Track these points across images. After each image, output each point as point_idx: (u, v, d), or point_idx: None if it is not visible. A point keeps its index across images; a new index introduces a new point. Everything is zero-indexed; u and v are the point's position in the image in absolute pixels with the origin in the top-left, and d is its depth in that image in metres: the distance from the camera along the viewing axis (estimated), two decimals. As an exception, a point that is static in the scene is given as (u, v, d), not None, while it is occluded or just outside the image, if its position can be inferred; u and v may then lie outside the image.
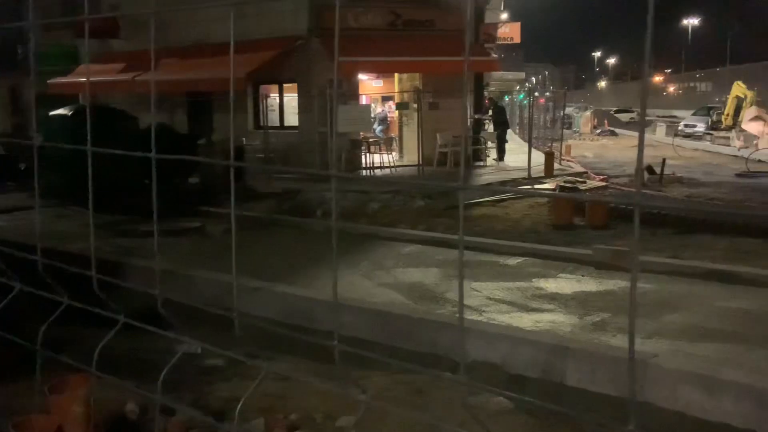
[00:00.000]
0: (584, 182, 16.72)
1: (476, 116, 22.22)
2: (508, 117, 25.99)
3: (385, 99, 24.86)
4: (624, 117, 50.94)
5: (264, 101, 20.26)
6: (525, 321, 6.74)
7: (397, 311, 6.44)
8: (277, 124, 20.08)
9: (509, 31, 25.91)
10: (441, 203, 13.64)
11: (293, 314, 6.43)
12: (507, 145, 22.53)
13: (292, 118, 19.79)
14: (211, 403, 4.75)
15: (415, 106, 18.94)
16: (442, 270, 8.92)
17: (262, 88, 20.10)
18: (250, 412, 4.49)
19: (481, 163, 20.88)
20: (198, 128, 19.25)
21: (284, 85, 19.95)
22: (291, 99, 19.86)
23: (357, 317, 6.46)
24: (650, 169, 17.73)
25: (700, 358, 5.54)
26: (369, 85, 23.75)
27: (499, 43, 25.32)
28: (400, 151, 21.57)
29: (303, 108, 19.11)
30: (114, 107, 16.17)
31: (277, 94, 20.36)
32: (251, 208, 13.18)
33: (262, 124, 19.94)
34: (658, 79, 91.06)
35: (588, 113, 46.64)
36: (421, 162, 18.06)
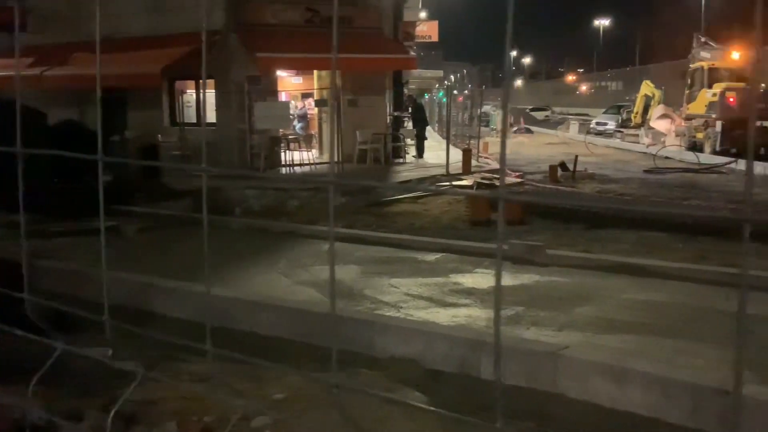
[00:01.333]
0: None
1: (395, 114, 22.38)
2: (427, 114, 26.27)
3: (305, 96, 24.73)
4: (539, 115, 52.27)
5: (180, 97, 19.85)
6: (442, 316, 6.82)
7: (315, 309, 6.42)
8: (194, 120, 19.72)
9: (427, 29, 26.17)
10: (361, 200, 13.68)
11: (210, 314, 6.33)
12: (426, 143, 22.78)
13: (209, 115, 19.47)
14: (123, 408, 4.63)
15: (335, 103, 18.93)
16: (361, 267, 8.95)
17: (178, 83, 19.70)
18: (163, 415, 4.40)
19: (401, 160, 21.05)
20: (111, 125, 18.73)
21: (201, 80, 19.59)
22: (208, 95, 19.53)
23: (274, 316, 6.42)
24: (563, 166, 18.22)
25: (609, 349, 5.73)
26: (288, 82, 23.59)
27: (418, 41, 25.53)
28: (320, 149, 21.51)
29: (220, 104, 18.83)
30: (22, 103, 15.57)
31: (194, 90, 19.99)
32: (167, 207, 12.92)
33: (178, 120, 19.55)
34: (571, 78, 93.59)
35: (505, 111, 47.42)
36: (340, 159, 18.05)
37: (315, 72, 21.70)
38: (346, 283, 8.16)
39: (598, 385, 4.95)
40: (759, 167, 19.43)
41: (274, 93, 19.94)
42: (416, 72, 29.92)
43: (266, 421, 4.34)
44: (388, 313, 6.89)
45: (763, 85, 24.22)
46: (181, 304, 6.77)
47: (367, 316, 6.50)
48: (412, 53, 23.02)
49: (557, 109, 62.11)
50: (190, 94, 20.10)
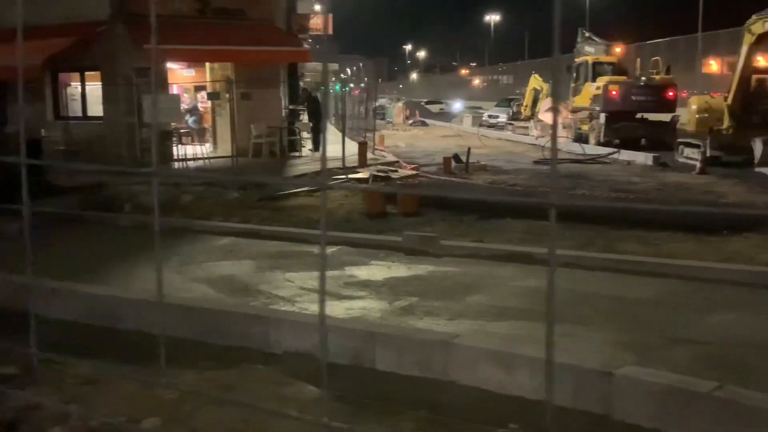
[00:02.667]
0: (396, 171, 17.22)
1: (291, 107, 22.23)
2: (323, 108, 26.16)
3: (198, 89, 24.21)
4: (434, 108, 53.03)
5: (64, 90, 19.06)
6: (337, 309, 6.83)
7: (207, 305, 6.30)
8: (80, 114, 18.98)
9: (321, 22, 26.04)
10: (255, 194, 13.53)
11: (94, 314, 6.12)
12: (322, 136, 22.73)
13: (96, 108, 18.77)
14: (3, 414, 4.41)
15: (228, 96, 18.63)
16: (256, 262, 8.86)
17: (62, 76, 18.90)
18: (46, 420, 4.22)
19: (297, 154, 20.94)
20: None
21: (87, 73, 18.86)
22: (95, 88, 18.83)
23: (164, 314, 6.25)
24: (457, 158, 18.56)
25: (499, 336, 5.89)
26: (179, 74, 23.03)
27: (312, 33, 25.41)
28: (214, 143, 21.12)
29: (107, 97, 18.19)
30: None
31: (79, 83, 19.22)
32: (52, 204, 12.38)
33: (62, 114, 18.77)
34: (464, 71, 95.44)
35: (400, 104, 47.97)
36: (235, 153, 17.80)
37: (207, 64, 21.28)
38: (241, 279, 8.07)
39: (488, 371, 5.07)
40: (641, 157, 20.39)
41: (165, 85, 19.42)
42: (311, 65, 29.78)
43: (156, 423, 4.24)
44: (283, 308, 6.84)
45: (643, 78, 25.46)
46: (63, 305, 6.52)
47: (261, 311, 6.44)
48: (307, 46, 22.91)
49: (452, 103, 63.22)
50: (75, 87, 19.33)
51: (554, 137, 0.99)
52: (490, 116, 39.64)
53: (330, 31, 26.33)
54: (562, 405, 4.86)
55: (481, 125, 35.96)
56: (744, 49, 18.96)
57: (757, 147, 16.93)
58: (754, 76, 19.46)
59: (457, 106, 54.00)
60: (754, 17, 18.35)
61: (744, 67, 19.11)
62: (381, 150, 23.06)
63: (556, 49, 1.06)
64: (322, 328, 1.09)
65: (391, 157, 21.11)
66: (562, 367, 4.96)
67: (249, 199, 13.25)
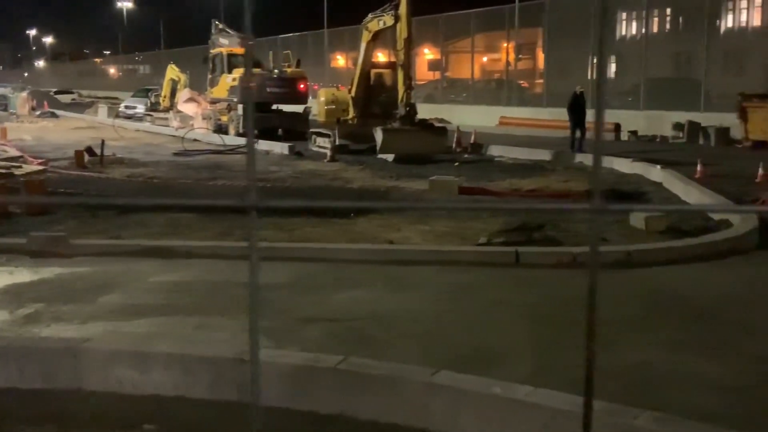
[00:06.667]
0: (20, 167, 15.73)
1: None
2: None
3: None
4: (65, 98, 49.43)
5: None
6: (-56, 326, 6.05)
7: None
8: None
9: None
10: None
11: None
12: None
13: None
14: None
15: None
16: None
17: None
18: None
19: None
20: None
21: None
22: None
23: None
24: (90, 151, 17.57)
25: (133, 335, 5.69)
26: None
27: None
28: None
29: None
30: None
31: None
32: None
33: None
34: (97, 60, 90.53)
35: (25, 94, 43.97)
36: None
37: None
38: None
39: (121, 373, 4.88)
40: (278, 146, 21.15)
41: None
42: None
43: None
44: None
45: (276, 71, 26.39)
46: None
47: None
48: None
49: (84, 92, 59.67)
50: None
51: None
52: (126, 107, 38.10)
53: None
54: (201, 397, 4.86)
55: (117, 116, 34.42)
56: (363, 46, 20.61)
57: (378, 135, 18.54)
58: (373, 71, 21.26)
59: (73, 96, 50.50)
60: (370, 16, 20.01)
61: (364, 62, 20.77)
62: (2, 144, 20.91)
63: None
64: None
65: (14, 152, 19.23)
66: (198, 359, 4.96)
67: None
